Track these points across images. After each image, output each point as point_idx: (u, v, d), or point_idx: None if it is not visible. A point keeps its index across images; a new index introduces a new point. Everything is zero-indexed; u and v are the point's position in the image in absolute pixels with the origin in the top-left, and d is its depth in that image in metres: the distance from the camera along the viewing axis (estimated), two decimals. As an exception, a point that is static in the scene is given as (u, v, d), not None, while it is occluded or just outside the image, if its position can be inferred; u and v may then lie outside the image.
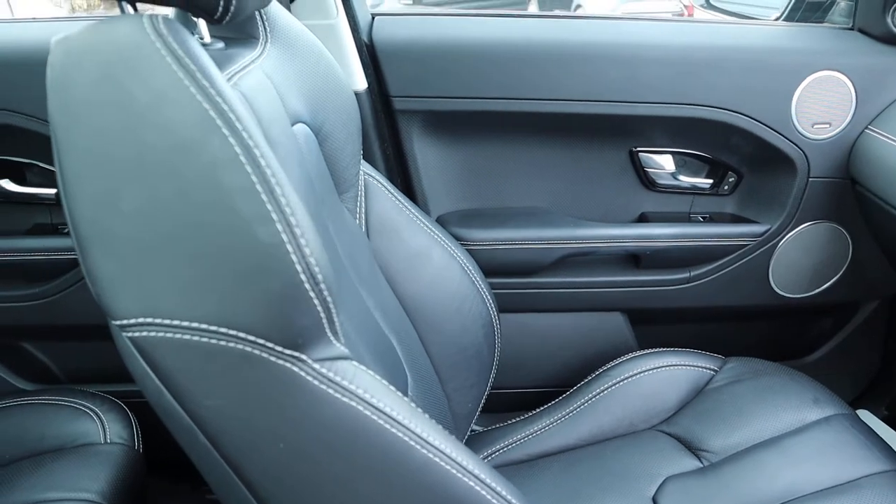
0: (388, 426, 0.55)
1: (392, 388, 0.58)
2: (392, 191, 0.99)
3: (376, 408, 0.55)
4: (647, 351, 1.15)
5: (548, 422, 1.11)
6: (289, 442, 0.53)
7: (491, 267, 1.19)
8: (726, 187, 1.27)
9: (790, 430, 1.02)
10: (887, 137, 1.11)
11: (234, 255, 0.48)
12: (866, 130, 1.16)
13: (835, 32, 1.23)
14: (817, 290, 1.32)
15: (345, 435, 0.55)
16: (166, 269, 0.48)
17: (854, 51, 1.17)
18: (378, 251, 0.98)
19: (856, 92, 1.15)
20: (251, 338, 0.49)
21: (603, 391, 1.11)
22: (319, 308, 0.52)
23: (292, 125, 0.76)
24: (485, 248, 1.20)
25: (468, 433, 1.10)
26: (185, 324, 0.49)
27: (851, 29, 1.22)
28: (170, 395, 0.52)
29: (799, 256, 1.28)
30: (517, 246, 1.20)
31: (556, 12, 5.12)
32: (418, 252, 0.99)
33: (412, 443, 0.56)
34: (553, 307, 1.29)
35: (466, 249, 1.07)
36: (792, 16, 1.38)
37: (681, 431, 1.08)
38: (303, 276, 0.49)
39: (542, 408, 1.14)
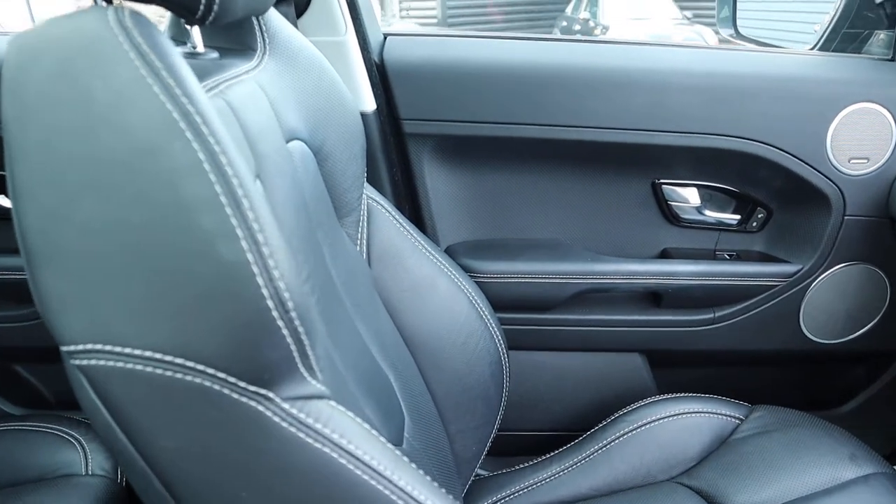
0: (365, 477, 0.49)
1: (374, 432, 0.51)
2: (396, 217, 0.94)
3: (353, 455, 0.48)
4: (667, 396, 1.07)
5: (558, 468, 1.04)
6: (254, 491, 0.47)
7: (502, 301, 1.12)
8: (755, 224, 1.20)
9: (824, 488, 0.93)
10: (930, 174, 1.04)
11: (194, 275, 0.42)
12: (907, 167, 1.09)
13: (873, 63, 1.16)
14: (852, 336, 1.24)
15: (318, 485, 0.48)
16: (119, 288, 0.43)
17: (894, 83, 1.10)
18: (379, 280, 0.92)
19: None
20: (210, 371, 0.43)
21: (619, 437, 1.04)
22: (289, 339, 0.46)
23: (287, 141, 0.71)
24: (496, 280, 1.13)
25: (472, 477, 1.02)
26: (138, 352, 0.43)
27: (891, 60, 1.15)
28: (121, 433, 0.46)
29: (833, 299, 1.20)
30: (530, 280, 1.14)
31: (578, 36, 5.06)
32: (422, 282, 0.93)
33: (394, 497, 0.49)
34: (567, 346, 1.22)
35: (476, 282, 1.00)
36: (827, 46, 1.32)
37: (703, 485, 0.99)
38: (270, 302, 0.43)
39: (552, 453, 1.06)
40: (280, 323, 0.44)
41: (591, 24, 8.70)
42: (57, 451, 1.01)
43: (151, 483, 0.47)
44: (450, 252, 1.16)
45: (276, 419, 0.46)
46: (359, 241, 0.90)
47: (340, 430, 0.49)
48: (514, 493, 1.03)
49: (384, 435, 0.56)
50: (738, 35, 1.44)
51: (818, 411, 1.35)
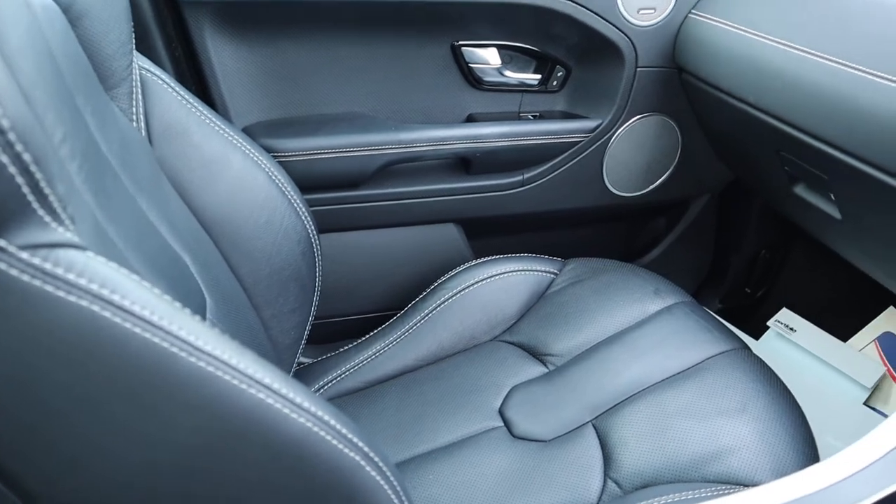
0: (138, 330, 0.41)
1: (147, 284, 0.44)
2: (177, 89, 0.83)
3: (120, 306, 0.41)
4: (482, 259, 1.07)
5: (383, 344, 1.01)
6: (6, 363, 0.39)
7: (307, 181, 1.05)
8: (555, 83, 1.20)
9: (634, 323, 0.98)
10: (710, 19, 1.08)
11: None
12: (690, 14, 1.12)
13: None
14: (650, 188, 1.29)
15: (80, 345, 0.41)
16: None
17: None
18: (164, 159, 0.81)
19: None
20: None
21: (440, 305, 1.03)
22: (14, 171, 0.37)
23: None
24: (298, 159, 1.06)
25: (295, 366, 0.97)
26: None
27: None
28: None
29: (631, 152, 1.24)
30: (334, 155, 1.07)
31: None
32: (214, 158, 0.84)
33: (175, 350, 0.43)
34: (380, 223, 1.18)
35: (277, 162, 0.93)
36: None
37: (524, 339, 1.01)
38: None
39: (376, 331, 1.03)
40: None
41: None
42: None
43: None
44: (246, 133, 1.07)
45: (13, 271, 0.38)
46: (135, 117, 0.80)
47: (101, 280, 0.41)
48: (339, 376, 1.00)
49: None
50: None
51: (628, 262, 1.42)
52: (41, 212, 0.40)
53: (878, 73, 0.77)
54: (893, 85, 0.75)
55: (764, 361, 0.91)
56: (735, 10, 1.05)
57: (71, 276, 0.40)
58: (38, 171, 0.39)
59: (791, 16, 0.95)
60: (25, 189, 0.38)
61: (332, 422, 0.49)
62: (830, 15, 0.89)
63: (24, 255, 0.38)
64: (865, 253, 0.99)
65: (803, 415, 0.85)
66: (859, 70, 0.80)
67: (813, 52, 0.87)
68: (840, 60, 0.83)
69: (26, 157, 0.38)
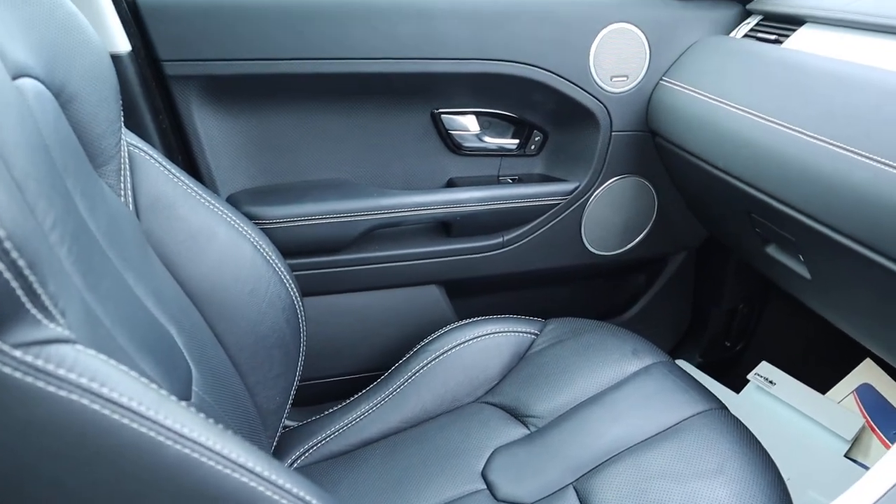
0: (126, 421, 0.43)
1: (134, 374, 0.46)
2: (163, 163, 0.86)
3: (108, 399, 0.43)
4: (465, 321, 1.09)
5: (367, 407, 1.02)
6: (6, 461, 0.41)
7: (291, 246, 1.08)
8: (533, 147, 1.24)
9: (613, 383, 1.00)
10: (680, 86, 1.12)
11: None
12: (661, 81, 1.17)
13: None
14: (628, 246, 1.33)
15: (70, 438, 0.42)
16: None
17: (645, 3, 1.17)
18: (151, 232, 0.84)
19: (649, 44, 1.16)
20: None
21: (423, 367, 1.04)
22: (8, 275, 0.39)
23: (14, 78, 0.61)
24: (282, 226, 1.08)
25: (281, 430, 0.98)
26: None
27: None
28: None
29: (609, 212, 1.27)
30: (317, 221, 1.10)
31: None
32: (200, 231, 0.86)
33: (162, 438, 0.44)
34: (364, 286, 1.20)
35: (262, 229, 0.95)
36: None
37: (506, 400, 1.03)
38: None
39: (360, 394, 1.04)
40: None
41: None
42: None
43: None
44: (231, 201, 1.09)
45: (7, 369, 0.40)
46: (122, 192, 0.82)
47: (90, 374, 0.43)
48: (324, 439, 1.01)
49: (166, 389, 0.50)
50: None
51: (608, 320, 1.44)
52: (34, 311, 0.42)
53: (838, 144, 0.81)
54: (852, 155, 0.79)
55: (740, 421, 0.93)
56: (704, 78, 1.09)
57: (62, 372, 0.42)
58: (32, 274, 0.41)
59: (757, 86, 0.99)
60: (20, 292, 0.40)
61: (315, 502, 0.51)
62: (794, 86, 0.93)
63: (18, 353, 0.40)
64: (835, 311, 1.02)
65: (780, 475, 0.87)
66: (821, 140, 0.84)
67: (778, 121, 0.91)
68: (803, 130, 0.87)
69: (21, 262, 0.40)
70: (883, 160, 0.75)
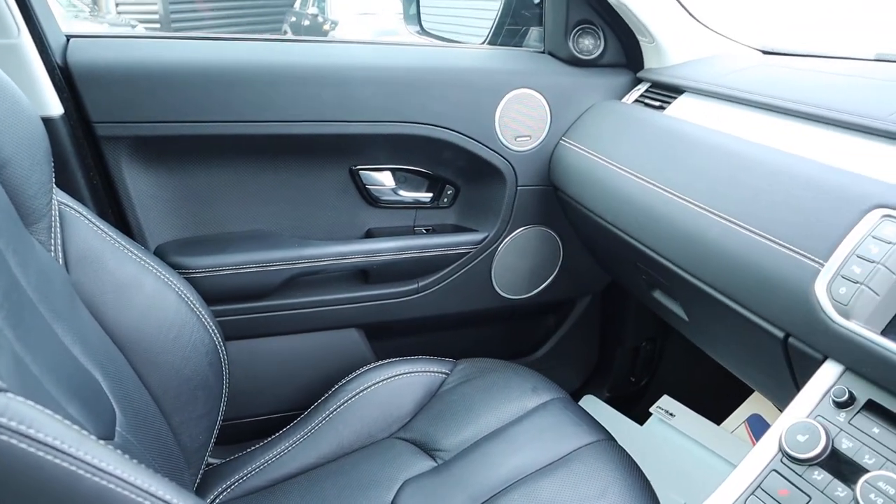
0: (49, 457, 0.50)
1: (59, 416, 0.53)
2: (92, 219, 0.93)
3: (34, 438, 0.50)
4: (381, 362, 1.17)
5: (287, 445, 1.09)
6: None
7: (217, 294, 1.15)
8: (446, 200, 1.34)
9: (513, 419, 1.09)
10: (576, 147, 1.24)
11: None
12: (561, 141, 1.29)
13: (529, 55, 1.35)
14: (536, 291, 1.43)
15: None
16: None
17: (545, 71, 1.29)
18: (80, 284, 0.90)
19: (550, 108, 1.27)
20: None
21: (340, 406, 1.12)
22: None
23: None
24: (208, 275, 1.16)
25: (204, 467, 1.04)
26: None
27: (543, 52, 1.35)
28: None
29: (517, 260, 1.38)
30: (242, 270, 1.17)
31: (266, 35, 5.03)
32: (127, 282, 0.93)
33: (81, 472, 0.52)
34: (286, 329, 1.27)
35: (188, 278, 1.02)
36: (494, 40, 1.51)
37: (416, 435, 1.11)
38: None
39: (281, 431, 1.11)
40: None
41: (320, 19, 8.76)
42: None
43: None
44: (159, 252, 1.16)
45: None
46: (53, 248, 0.88)
47: (18, 418, 0.50)
48: (246, 475, 1.07)
49: (90, 430, 0.57)
50: (423, 31, 1.59)
51: (519, 360, 1.54)
52: None
53: (698, 204, 0.93)
54: (708, 214, 0.91)
55: (626, 451, 1.03)
56: (597, 139, 1.21)
57: None
58: None
59: (639, 148, 1.11)
60: None
61: None
62: (668, 150, 1.06)
63: None
64: (713, 349, 1.14)
65: (657, 499, 0.97)
66: (685, 200, 0.96)
67: (654, 182, 1.03)
68: (672, 191, 0.99)
69: None
70: (731, 219, 0.87)
